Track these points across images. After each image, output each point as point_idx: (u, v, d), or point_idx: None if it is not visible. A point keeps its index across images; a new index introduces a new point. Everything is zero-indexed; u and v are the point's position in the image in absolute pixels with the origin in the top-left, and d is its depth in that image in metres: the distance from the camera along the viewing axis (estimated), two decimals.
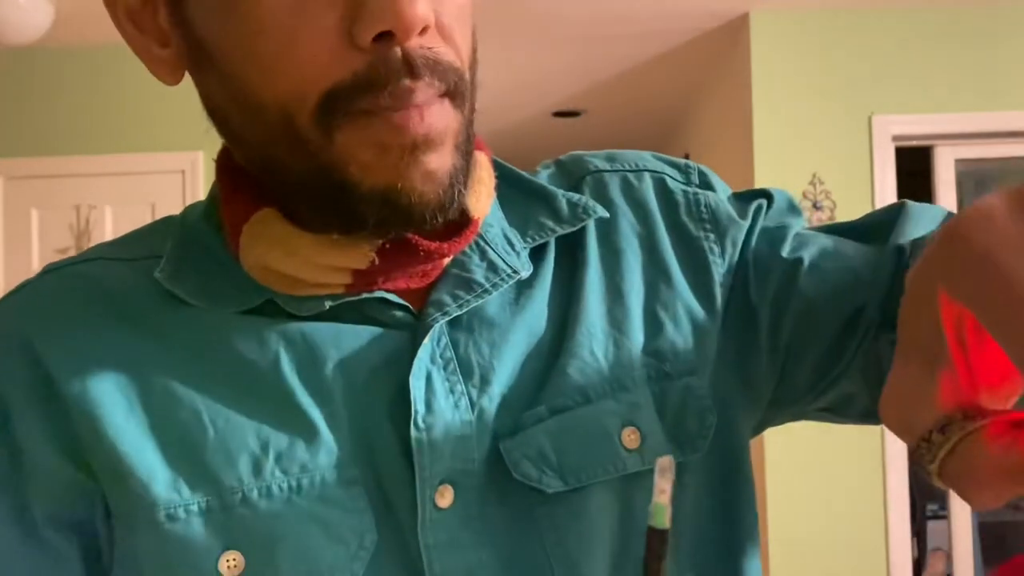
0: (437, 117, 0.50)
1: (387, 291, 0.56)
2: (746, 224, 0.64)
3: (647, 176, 0.66)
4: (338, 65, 0.48)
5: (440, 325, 0.56)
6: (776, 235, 0.64)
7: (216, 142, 0.58)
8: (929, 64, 3.61)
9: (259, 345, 0.55)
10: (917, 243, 0.61)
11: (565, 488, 0.55)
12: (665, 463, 0.40)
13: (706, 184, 0.66)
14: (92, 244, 0.67)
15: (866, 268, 0.61)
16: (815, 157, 3.57)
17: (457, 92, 0.51)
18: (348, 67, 0.48)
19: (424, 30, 0.48)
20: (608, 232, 0.63)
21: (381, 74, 0.48)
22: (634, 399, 0.58)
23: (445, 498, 0.53)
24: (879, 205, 2.83)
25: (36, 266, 3.59)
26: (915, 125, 3.61)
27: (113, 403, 0.53)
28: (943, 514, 3.85)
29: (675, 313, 0.61)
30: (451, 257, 0.58)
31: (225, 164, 0.59)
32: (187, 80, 0.57)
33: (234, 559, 0.51)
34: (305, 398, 0.54)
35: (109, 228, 3.62)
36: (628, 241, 0.63)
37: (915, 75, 3.61)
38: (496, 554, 0.54)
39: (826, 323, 0.61)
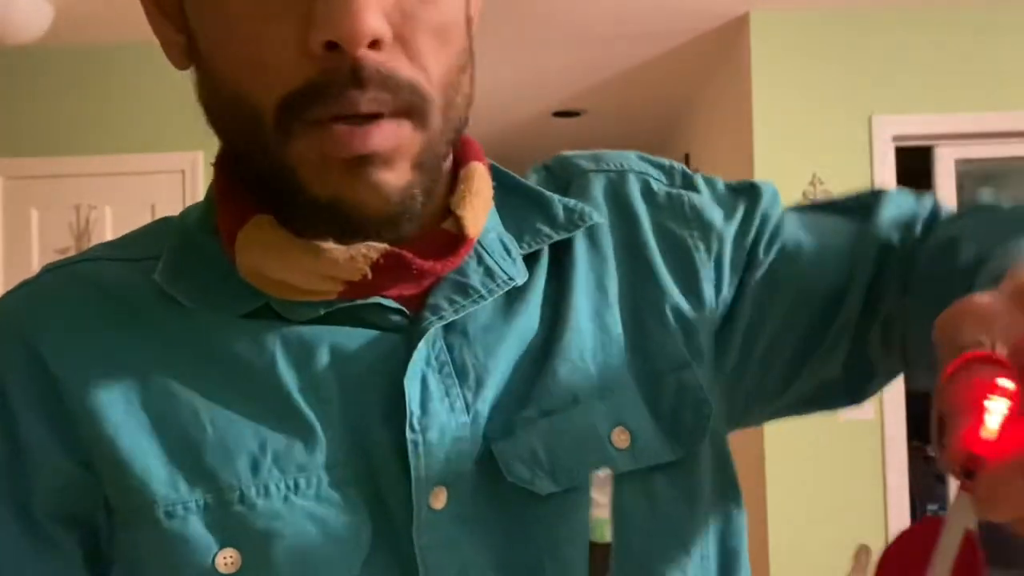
0: (384, 137, 0.50)
1: (382, 296, 0.56)
2: (733, 223, 0.65)
3: (631, 177, 0.66)
4: (295, 72, 0.49)
5: (435, 328, 0.56)
6: (760, 229, 0.65)
7: (217, 143, 0.58)
8: (929, 64, 3.61)
9: (256, 347, 0.55)
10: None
11: (557, 489, 0.55)
12: (602, 477, 0.40)
13: (689, 185, 0.67)
14: (92, 244, 0.67)
15: (847, 251, 0.64)
16: (815, 157, 3.57)
17: (415, 111, 0.51)
18: (303, 74, 0.49)
19: (377, 44, 0.48)
20: (594, 234, 0.63)
21: (330, 82, 0.49)
22: (623, 399, 0.58)
23: (439, 499, 0.54)
24: None
25: (36, 266, 3.58)
26: (915, 125, 3.61)
27: (113, 401, 0.54)
28: (943, 514, 3.84)
29: (662, 312, 0.61)
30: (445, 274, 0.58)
31: (223, 168, 0.59)
32: (186, 82, 0.57)
33: (231, 556, 0.52)
34: (301, 399, 0.54)
35: (109, 228, 3.62)
36: (613, 243, 0.63)
37: (915, 75, 3.60)
38: (489, 555, 0.54)
39: (807, 308, 0.63)
